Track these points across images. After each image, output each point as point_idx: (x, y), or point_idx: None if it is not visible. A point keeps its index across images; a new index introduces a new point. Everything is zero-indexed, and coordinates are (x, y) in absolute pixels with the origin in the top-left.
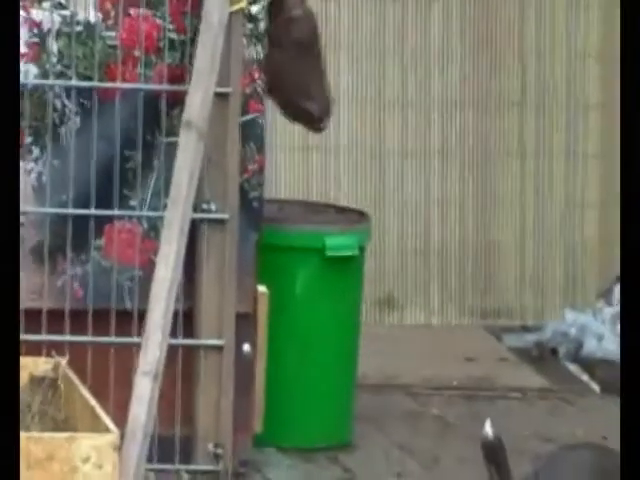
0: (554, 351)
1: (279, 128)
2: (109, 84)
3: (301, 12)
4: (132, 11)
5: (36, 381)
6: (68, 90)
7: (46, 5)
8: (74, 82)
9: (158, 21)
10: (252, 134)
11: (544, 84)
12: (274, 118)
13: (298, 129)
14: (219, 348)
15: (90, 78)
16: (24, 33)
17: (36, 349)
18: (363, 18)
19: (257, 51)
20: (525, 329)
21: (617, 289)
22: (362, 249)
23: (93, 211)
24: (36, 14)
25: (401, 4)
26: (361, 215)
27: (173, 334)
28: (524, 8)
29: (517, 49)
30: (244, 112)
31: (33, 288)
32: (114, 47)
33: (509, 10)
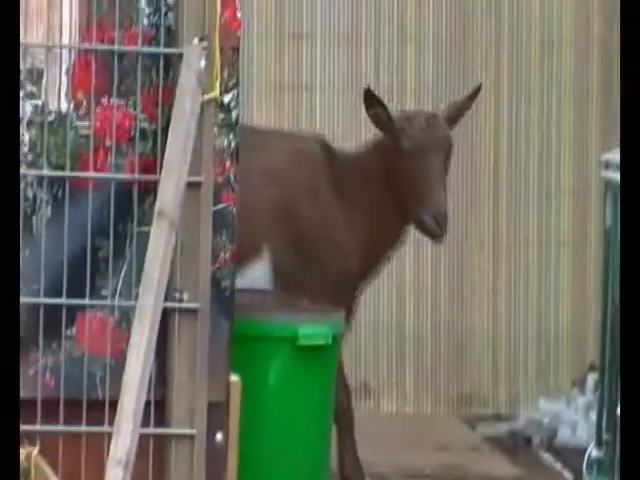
0: (528, 440)
1: None
2: (81, 174)
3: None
4: (104, 101)
5: None
6: (40, 179)
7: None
8: (46, 172)
9: (130, 110)
10: (224, 223)
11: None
12: None
13: None
14: (191, 437)
15: (62, 167)
16: None
17: None
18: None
19: (229, 140)
20: (498, 418)
21: (590, 378)
22: (336, 338)
23: (64, 300)
24: None
25: None
26: None
27: (145, 423)
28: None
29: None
30: (216, 201)
31: None
32: (86, 137)
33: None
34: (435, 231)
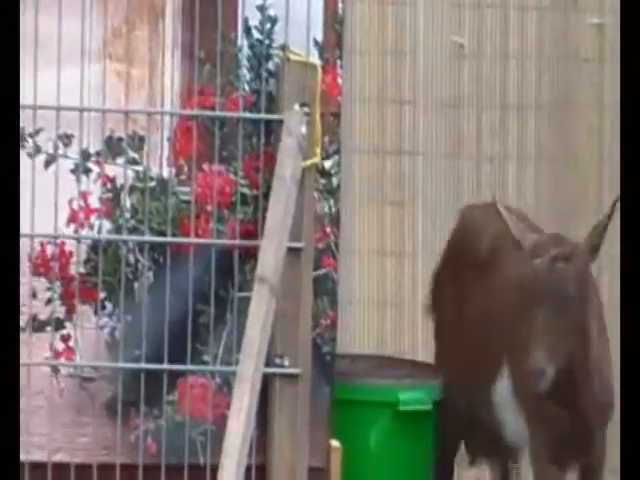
0: None
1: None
2: (182, 239)
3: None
4: (205, 166)
5: None
6: (141, 245)
7: (120, 161)
8: (147, 237)
9: (231, 176)
10: (324, 288)
11: None
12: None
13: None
14: None
15: (163, 233)
16: (97, 188)
17: None
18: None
19: (329, 206)
20: None
21: None
22: (436, 403)
23: (166, 366)
24: (110, 169)
25: None
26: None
27: None
28: None
29: None
30: (317, 267)
31: (106, 443)
32: (187, 202)
33: None
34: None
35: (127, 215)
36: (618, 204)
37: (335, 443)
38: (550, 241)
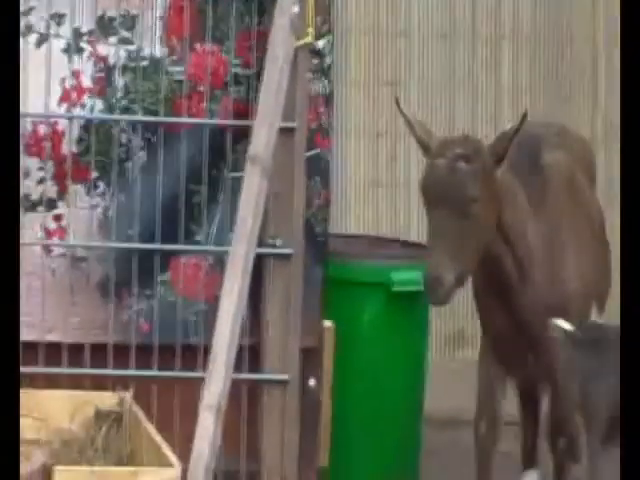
0: None
1: (351, 163)
2: (175, 119)
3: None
4: (198, 46)
5: (101, 415)
6: (134, 125)
7: (112, 40)
8: (140, 117)
9: (224, 56)
10: (317, 169)
11: None
12: (345, 154)
13: (367, 164)
14: (284, 383)
15: (156, 113)
16: (90, 68)
17: (102, 383)
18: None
19: (323, 86)
20: None
21: None
22: None
23: (158, 245)
24: (102, 49)
25: None
26: None
27: (238, 369)
28: None
29: None
30: (309, 147)
31: (99, 323)
32: (180, 82)
33: None
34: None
35: (119, 94)
36: (526, 117)
37: (328, 323)
38: (455, 141)
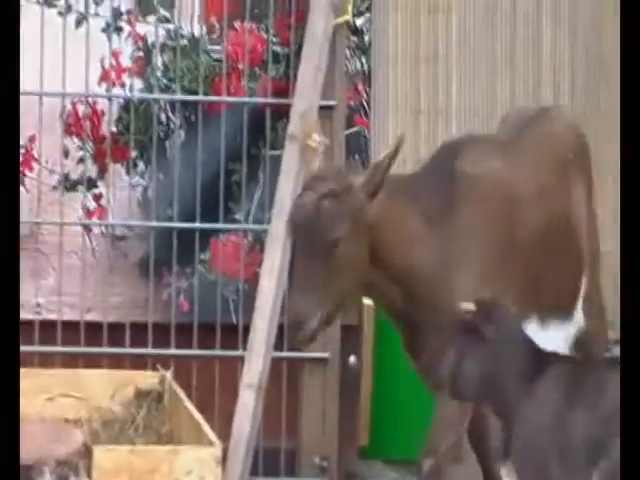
0: None
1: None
2: (214, 98)
3: None
4: (236, 24)
5: (142, 394)
6: (173, 104)
7: (151, 19)
8: (179, 96)
9: (262, 34)
10: (357, 146)
11: None
12: (384, 132)
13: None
14: (324, 361)
15: (195, 92)
16: (129, 47)
17: (141, 362)
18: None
19: (361, 63)
20: None
21: None
22: None
23: (198, 224)
24: (141, 28)
25: None
26: None
27: (278, 347)
28: None
29: None
30: (349, 125)
31: (138, 302)
32: (219, 61)
33: None
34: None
35: (158, 74)
36: (401, 143)
37: (367, 301)
38: (325, 176)
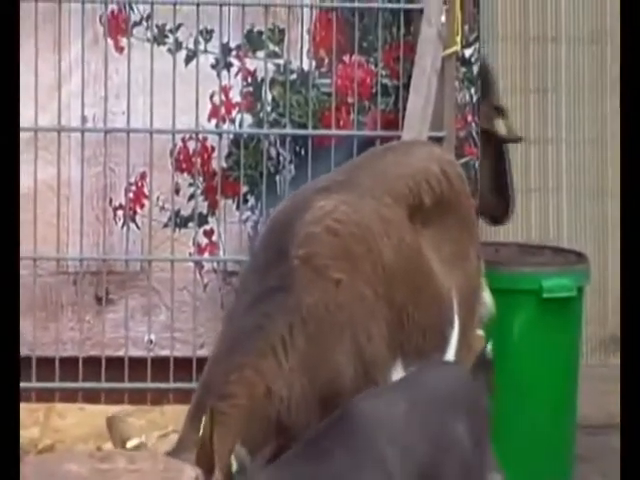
0: None
1: None
2: (324, 131)
3: None
4: (345, 58)
5: None
6: (282, 138)
7: (260, 55)
8: (289, 130)
9: (371, 67)
10: (466, 177)
11: None
12: None
13: (517, 171)
14: None
15: (304, 126)
16: (238, 83)
17: None
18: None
19: (470, 94)
20: None
21: None
22: (580, 290)
23: None
24: (250, 64)
25: None
26: (579, 255)
27: None
28: None
29: None
30: (458, 156)
31: None
32: (328, 94)
33: None
34: None
35: (268, 108)
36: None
37: (479, 331)
38: None
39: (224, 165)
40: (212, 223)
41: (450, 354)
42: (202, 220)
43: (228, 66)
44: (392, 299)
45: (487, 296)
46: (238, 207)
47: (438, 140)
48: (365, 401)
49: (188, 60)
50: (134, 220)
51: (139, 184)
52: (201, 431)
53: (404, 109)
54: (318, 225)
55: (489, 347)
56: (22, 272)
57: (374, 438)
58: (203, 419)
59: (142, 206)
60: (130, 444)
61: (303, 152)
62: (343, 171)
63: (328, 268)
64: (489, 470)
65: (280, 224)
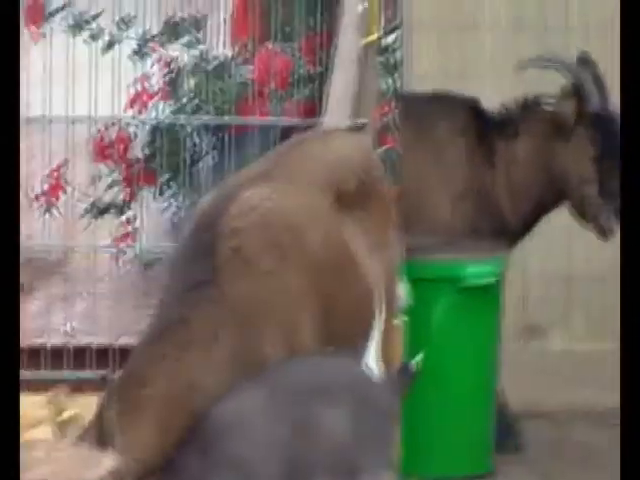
0: None
1: None
2: (243, 120)
3: None
4: (265, 46)
5: None
6: (203, 127)
7: (180, 43)
8: (209, 118)
9: (291, 55)
10: (386, 166)
11: None
12: None
13: None
14: None
15: (224, 114)
16: (157, 71)
17: None
18: None
19: (391, 82)
20: None
21: None
22: (499, 277)
23: None
24: (170, 51)
25: None
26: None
27: None
28: None
29: None
30: (377, 145)
31: None
32: (248, 82)
33: None
34: None
35: (188, 97)
36: None
37: (397, 321)
38: None
39: (145, 153)
40: (132, 211)
41: (374, 343)
42: (122, 209)
43: (147, 54)
44: (319, 289)
45: (403, 285)
46: (160, 194)
47: (358, 128)
48: (220, 404)
49: (108, 47)
50: (53, 209)
51: (58, 172)
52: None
53: (323, 98)
54: (245, 217)
55: (418, 358)
56: None
57: (229, 441)
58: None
59: (61, 195)
60: (66, 414)
61: (223, 140)
62: (267, 161)
63: (256, 260)
64: (373, 466)
65: (207, 216)
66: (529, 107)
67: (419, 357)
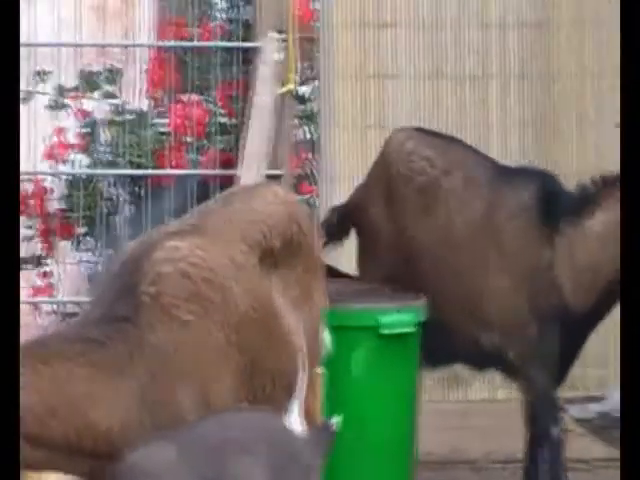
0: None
1: None
2: (162, 171)
3: None
4: (182, 97)
5: None
6: (120, 179)
7: (96, 95)
8: (125, 171)
9: (208, 106)
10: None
11: None
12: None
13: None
14: None
15: (141, 166)
16: (74, 124)
17: None
18: None
19: (308, 132)
20: (589, 399)
21: None
22: (419, 326)
23: None
24: (86, 104)
25: None
26: (417, 293)
27: None
28: None
29: None
30: (296, 193)
31: None
32: (165, 134)
33: None
34: None
35: (105, 149)
36: None
37: (318, 369)
38: None
39: (61, 206)
40: (49, 265)
41: (299, 397)
42: (39, 261)
43: (64, 107)
44: (243, 345)
45: (325, 333)
46: (78, 246)
47: (276, 178)
48: (132, 454)
49: (23, 101)
50: None
51: None
52: None
53: (240, 148)
54: (170, 265)
55: (338, 420)
56: None
57: None
58: None
59: None
60: None
61: (141, 192)
62: (193, 216)
63: (177, 308)
64: None
65: (129, 262)
66: (608, 184)
67: (339, 417)
